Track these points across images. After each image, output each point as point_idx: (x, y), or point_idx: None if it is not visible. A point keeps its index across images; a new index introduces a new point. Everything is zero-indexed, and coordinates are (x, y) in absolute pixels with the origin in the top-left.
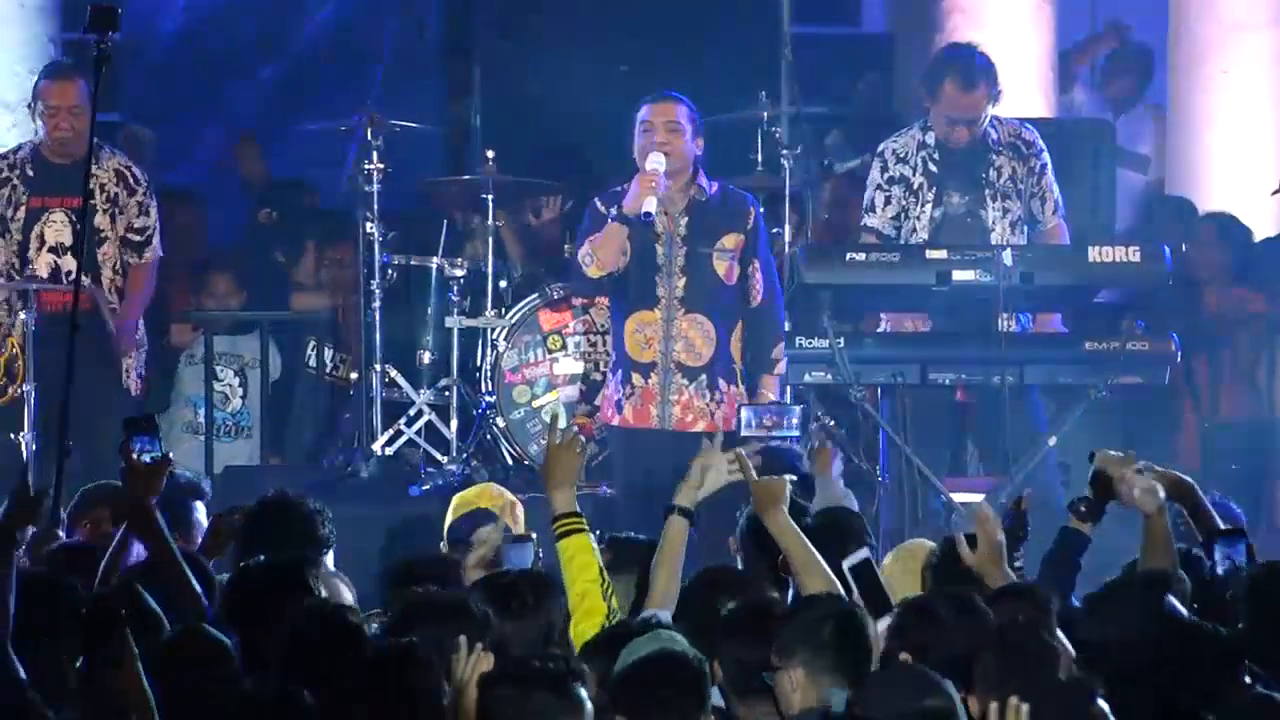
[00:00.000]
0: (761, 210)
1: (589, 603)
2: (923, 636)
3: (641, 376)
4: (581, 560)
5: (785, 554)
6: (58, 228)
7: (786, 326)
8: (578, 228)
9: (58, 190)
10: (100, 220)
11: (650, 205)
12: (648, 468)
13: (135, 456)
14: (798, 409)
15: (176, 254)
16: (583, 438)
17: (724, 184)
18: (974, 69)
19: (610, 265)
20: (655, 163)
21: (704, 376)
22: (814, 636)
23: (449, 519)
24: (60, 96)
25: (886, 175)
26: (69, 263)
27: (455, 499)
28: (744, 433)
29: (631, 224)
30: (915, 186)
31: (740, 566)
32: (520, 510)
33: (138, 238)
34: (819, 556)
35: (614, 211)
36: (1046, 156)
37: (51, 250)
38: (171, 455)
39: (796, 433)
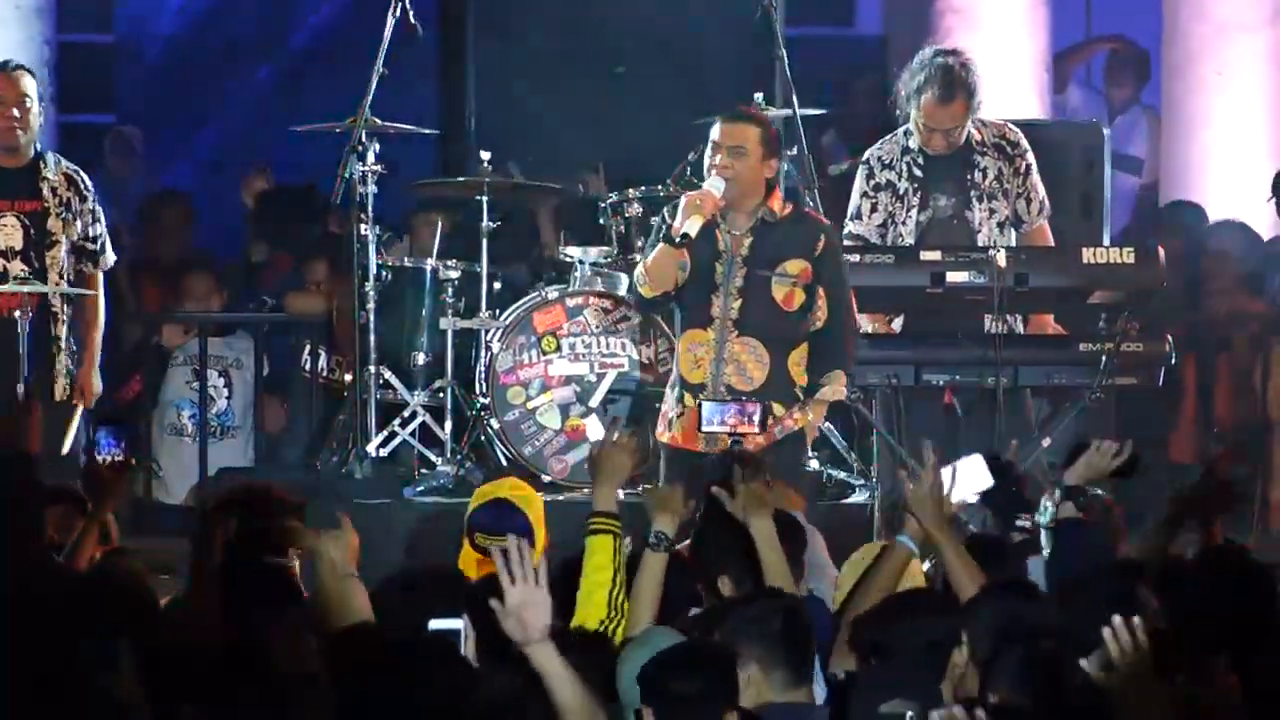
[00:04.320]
0: (839, 236)
1: (592, 602)
2: (878, 638)
3: (692, 396)
4: (598, 560)
5: (761, 559)
6: (9, 231)
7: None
8: (646, 241)
9: (8, 194)
10: (52, 224)
11: (692, 228)
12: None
13: (96, 455)
14: (758, 407)
15: (160, 254)
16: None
17: (800, 208)
18: (953, 82)
19: (665, 286)
20: (712, 186)
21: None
22: (764, 632)
23: (470, 508)
24: (6, 88)
25: (873, 183)
26: (17, 267)
27: (477, 490)
28: (704, 428)
29: (675, 245)
30: (901, 192)
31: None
32: (540, 503)
33: (93, 246)
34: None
35: (664, 231)
36: (1031, 157)
37: (1, 254)
38: (134, 461)
39: (758, 430)
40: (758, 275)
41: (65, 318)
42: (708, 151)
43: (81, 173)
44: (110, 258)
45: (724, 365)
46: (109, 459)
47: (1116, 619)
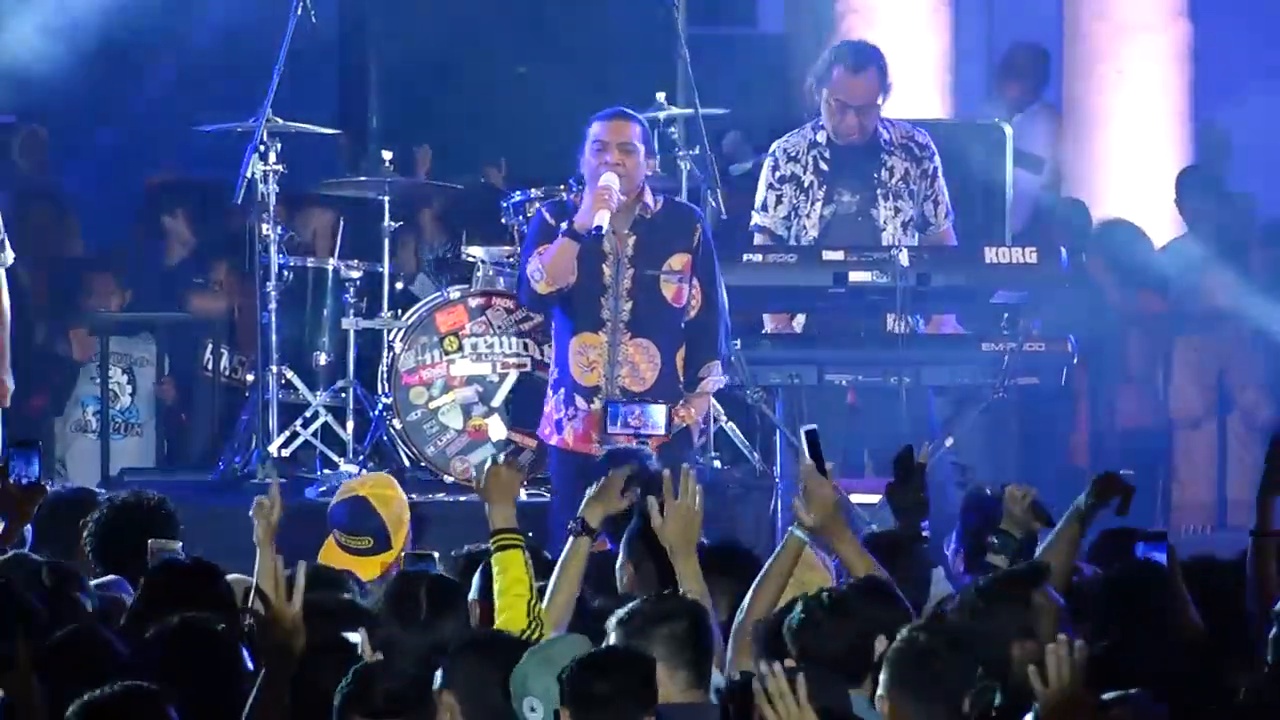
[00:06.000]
0: (709, 223)
1: (511, 615)
2: (808, 636)
3: (584, 400)
4: (515, 574)
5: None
6: None
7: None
8: (524, 238)
9: None
10: None
11: (602, 220)
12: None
13: (11, 479)
14: (662, 409)
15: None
16: (521, 457)
17: (669, 197)
18: (864, 53)
19: (561, 281)
20: (608, 181)
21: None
22: (671, 633)
23: (333, 501)
24: None
25: (778, 174)
26: None
27: (343, 484)
28: (609, 430)
29: (582, 240)
30: (806, 185)
31: (627, 585)
32: (399, 505)
33: None
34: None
35: (564, 226)
36: (938, 160)
37: None
38: (47, 485)
39: (660, 432)
40: (646, 275)
41: None
42: (589, 149)
43: None
44: (9, 255)
45: (618, 368)
46: (24, 481)
47: (1062, 636)
